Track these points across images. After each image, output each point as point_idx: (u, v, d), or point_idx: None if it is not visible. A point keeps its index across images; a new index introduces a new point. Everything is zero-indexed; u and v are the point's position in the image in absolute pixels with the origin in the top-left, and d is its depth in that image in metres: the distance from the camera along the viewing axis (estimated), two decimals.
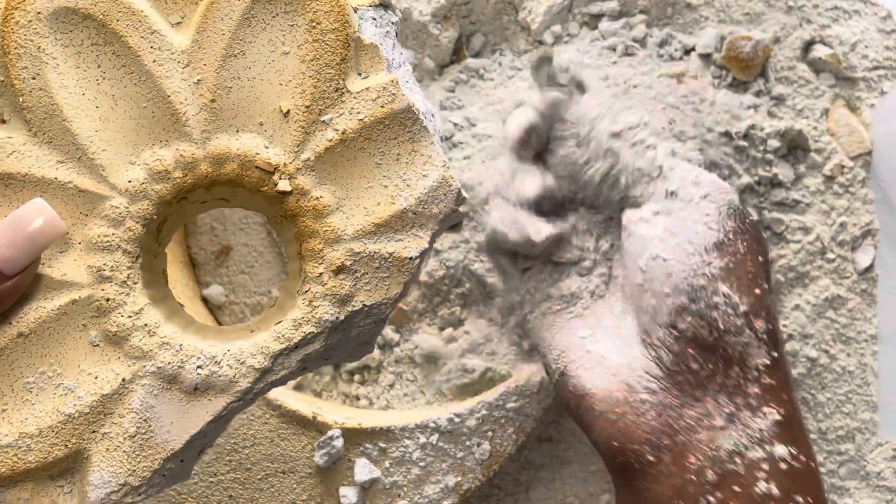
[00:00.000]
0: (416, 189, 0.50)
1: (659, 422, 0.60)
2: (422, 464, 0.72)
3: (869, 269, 0.77)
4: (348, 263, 0.50)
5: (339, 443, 0.70)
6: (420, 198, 0.50)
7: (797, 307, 0.77)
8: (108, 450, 0.49)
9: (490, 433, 0.72)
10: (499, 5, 0.80)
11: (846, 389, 0.77)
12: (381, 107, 0.50)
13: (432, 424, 0.72)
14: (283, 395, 0.72)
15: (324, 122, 0.49)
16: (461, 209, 0.52)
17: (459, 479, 0.72)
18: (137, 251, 0.50)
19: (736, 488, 0.58)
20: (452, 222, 0.53)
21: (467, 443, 0.72)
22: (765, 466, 0.58)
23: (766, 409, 0.59)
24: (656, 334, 0.62)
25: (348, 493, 0.70)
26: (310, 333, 0.50)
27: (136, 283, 0.50)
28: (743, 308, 0.60)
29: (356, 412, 0.75)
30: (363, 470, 0.71)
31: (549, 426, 0.78)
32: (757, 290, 0.61)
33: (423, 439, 0.72)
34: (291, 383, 0.77)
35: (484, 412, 0.72)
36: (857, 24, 0.79)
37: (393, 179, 0.50)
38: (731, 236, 0.62)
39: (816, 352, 0.77)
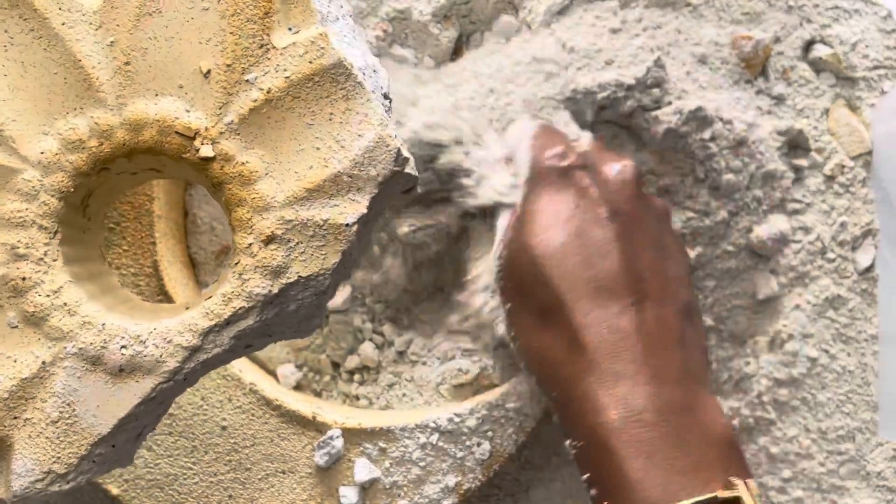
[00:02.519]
0: (351, 150, 0.47)
1: None
2: (422, 464, 0.71)
3: (869, 268, 0.78)
4: (279, 232, 0.47)
5: (339, 443, 0.70)
6: (355, 159, 0.47)
7: (797, 307, 0.77)
8: (30, 436, 0.47)
9: (490, 433, 0.72)
10: (499, 5, 0.79)
11: (846, 389, 0.77)
12: (310, 62, 0.47)
13: (432, 424, 0.71)
14: (283, 395, 0.72)
15: (247, 81, 0.47)
16: (408, 170, 0.48)
17: (459, 479, 0.71)
18: (55, 226, 0.47)
19: None
20: (404, 186, 0.50)
21: (467, 443, 0.72)
22: None
23: None
24: None
25: (348, 493, 0.70)
26: (241, 308, 0.47)
27: (55, 261, 0.47)
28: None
29: (356, 412, 0.74)
30: (363, 470, 0.70)
31: (549, 426, 0.77)
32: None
33: (423, 439, 0.71)
34: (291, 383, 0.76)
35: (484, 412, 0.72)
36: (857, 24, 0.79)
37: (326, 141, 0.47)
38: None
39: (817, 352, 0.77)
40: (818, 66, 0.78)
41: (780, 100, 0.77)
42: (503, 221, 0.68)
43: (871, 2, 0.80)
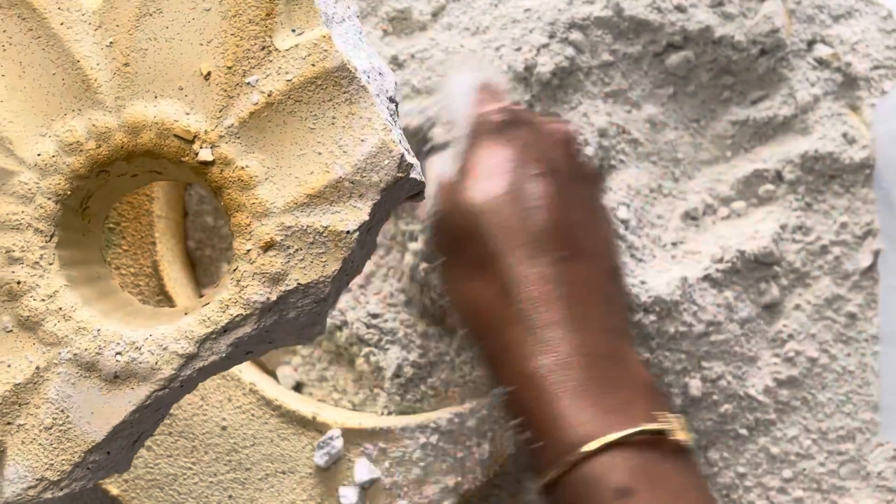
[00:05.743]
0: (353, 155, 0.46)
1: None
2: (422, 464, 0.71)
3: (869, 269, 0.78)
4: (279, 239, 0.46)
5: (339, 443, 0.70)
6: (357, 165, 0.46)
7: (797, 307, 0.77)
8: (23, 442, 0.46)
9: (490, 433, 0.72)
10: None
11: (846, 389, 0.78)
12: (312, 65, 0.45)
13: (432, 424, 0.71)
14: (283, 395, 0.71)
15: (248, 83, 0.46)
16: (413, 175, 0.47)
17: (459, 479, 0.71)
18: (52, 230, 0.47)
19: None
20: (409, 192, 0.49)
21: (467, 443, 0.72)
22: None
23: None
24: None
25: (348, 494, 0.70)
26: (238, 316, 0.46)
27: (50, 265, 0.47)
28: None
29: (356, 412, 0.75)
30: (363, 470, 0.70)
31: None
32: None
33: (423, 439, 0.71)
34: (290, 383, 0.76)
35: (484, 412, 0.71)
36: (857, 24, 0.80)
37: (327, 145, 0.46)
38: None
39: (817, 352, 0.77)
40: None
41: None
42: (433, 183, 0.68)
43: (871, 2, 0.80)
